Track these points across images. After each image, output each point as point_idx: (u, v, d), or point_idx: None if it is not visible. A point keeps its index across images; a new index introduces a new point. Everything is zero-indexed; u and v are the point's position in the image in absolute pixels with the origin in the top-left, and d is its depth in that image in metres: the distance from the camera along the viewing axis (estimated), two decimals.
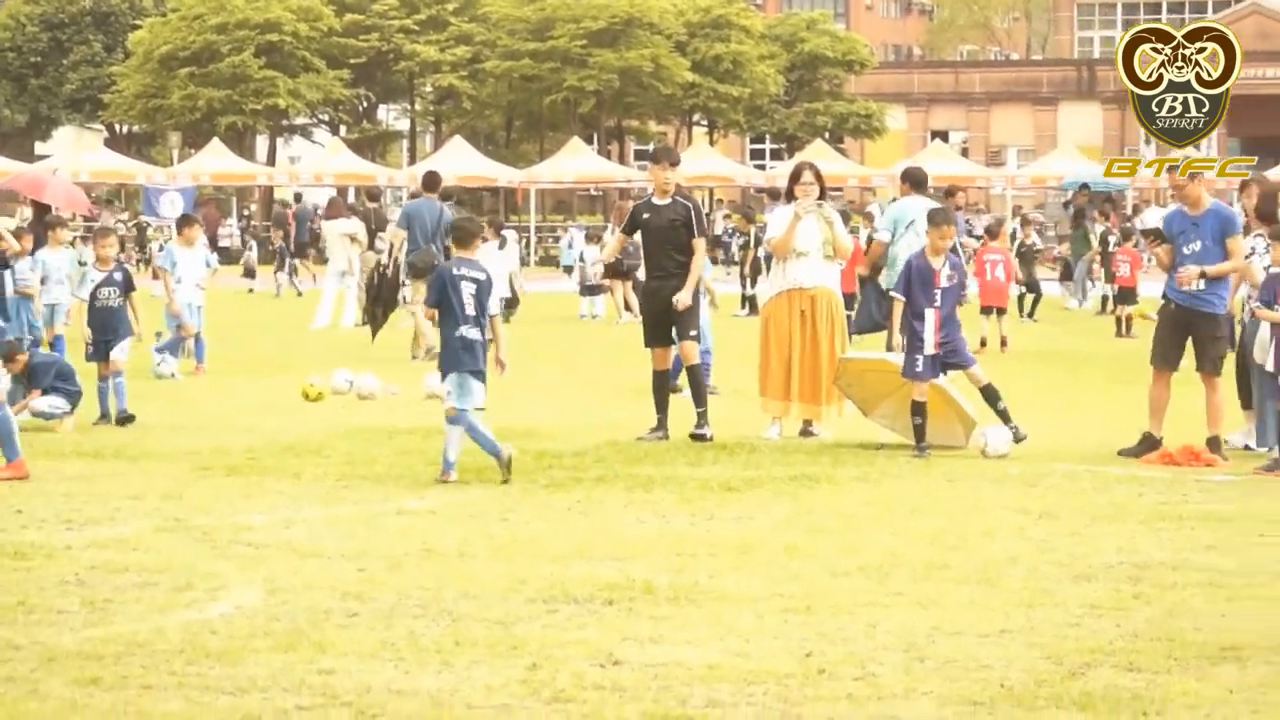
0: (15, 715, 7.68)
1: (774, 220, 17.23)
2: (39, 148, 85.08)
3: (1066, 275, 43.35)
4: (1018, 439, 15.81)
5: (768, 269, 18.41)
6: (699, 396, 16.95)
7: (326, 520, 12.55)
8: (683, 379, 18.13)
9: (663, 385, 17.07)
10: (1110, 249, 37.62)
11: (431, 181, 26.34)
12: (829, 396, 16.82)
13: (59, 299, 22.51)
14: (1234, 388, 16.59)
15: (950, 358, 15.98)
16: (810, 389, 16.84)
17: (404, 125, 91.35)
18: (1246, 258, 16.06)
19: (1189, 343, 16.07)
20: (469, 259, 14.72)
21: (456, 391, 14.36)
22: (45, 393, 17.49)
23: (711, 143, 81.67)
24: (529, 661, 8.57)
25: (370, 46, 79.17)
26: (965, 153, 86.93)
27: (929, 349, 15.82)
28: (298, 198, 65.26)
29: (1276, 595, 10.03)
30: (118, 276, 18.69)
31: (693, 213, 17.03)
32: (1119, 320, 32.50)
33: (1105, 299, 37.73)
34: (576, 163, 68.63)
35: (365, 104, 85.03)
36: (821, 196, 17.06)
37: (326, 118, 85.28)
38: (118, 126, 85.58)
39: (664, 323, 17.02)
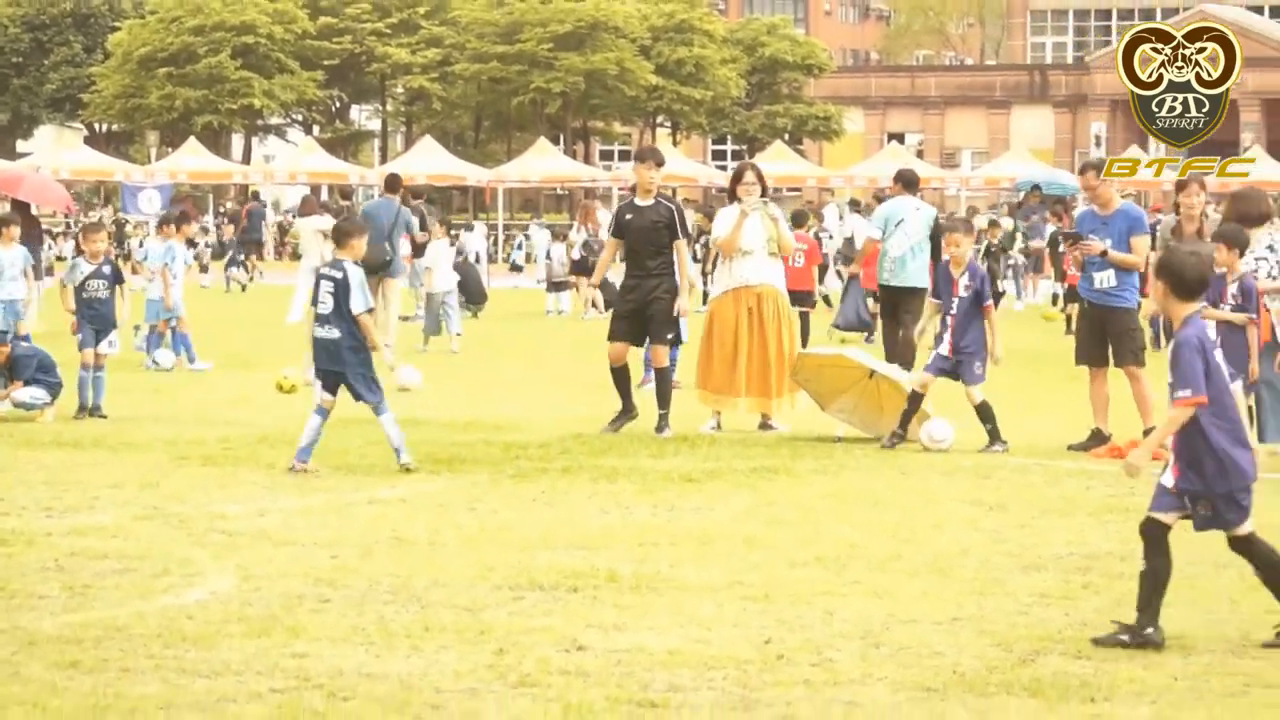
0: None
1: (720, 220, 17.28)
2: (20, 145, 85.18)
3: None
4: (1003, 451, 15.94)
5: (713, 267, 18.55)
6: (663, 398, 16.97)
7: (299, 509, 12.68)
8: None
9: (622, 376, 17.02)
10: (1061, 249, 37.89)
11: (392, 184, 26.73)
12: (779, 389, 16.91)
13: (13, 294, 22.40)
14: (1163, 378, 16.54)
15: (957, 368, 16.24)
16: (759, 383, 16.90)
17: (376, 125, 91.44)
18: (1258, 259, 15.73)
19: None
20: (339, 259, 14.67)
21: (317, 387, 14.83)
22: (27, 384, 17.80)
23: (674, 144, 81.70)
24: (496, 647, 8.70)
25: (343, 49, 79.38)
26: (920, 155, 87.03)
27: (943, 349, 16.19)
28: (254, 195, 65.14)
29: (1219, 586, 10.15)
30: (106, 269, 18.94)
31: (675, 214, 17.06)
32: (1068, 318, 32.74)
33: (1056, 296, 38.18)
34: (543, 162, 68.63)
35: (338, 104, 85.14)
36: (763, 195, 17.14)
37: (300, 118, 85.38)
38: (97, 125, 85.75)
39: (634, 319, 17.03)
